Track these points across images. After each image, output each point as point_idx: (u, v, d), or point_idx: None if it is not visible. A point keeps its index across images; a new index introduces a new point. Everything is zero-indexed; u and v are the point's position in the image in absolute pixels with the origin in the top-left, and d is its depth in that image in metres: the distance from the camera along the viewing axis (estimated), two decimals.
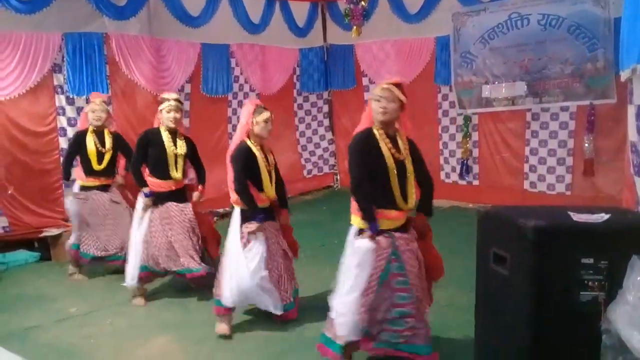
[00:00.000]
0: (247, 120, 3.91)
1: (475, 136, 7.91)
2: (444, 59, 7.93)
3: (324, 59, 9.39)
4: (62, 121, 6.41)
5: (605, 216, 2.34)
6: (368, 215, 3.09)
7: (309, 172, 9.32)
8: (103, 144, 5.30)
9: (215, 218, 6.73)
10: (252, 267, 3.81)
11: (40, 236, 6.08)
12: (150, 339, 4.03)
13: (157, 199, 4.62)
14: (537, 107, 7.21)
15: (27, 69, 5.99)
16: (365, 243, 3.06)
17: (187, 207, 4.72)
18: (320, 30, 9.24)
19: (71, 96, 6.40)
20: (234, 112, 8.12)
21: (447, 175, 8.29)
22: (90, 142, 5.26)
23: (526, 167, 7.42)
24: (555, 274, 2.26)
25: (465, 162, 7.99)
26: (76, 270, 5.41)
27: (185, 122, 7.63)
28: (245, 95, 8.22)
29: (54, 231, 6.06)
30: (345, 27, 8.71)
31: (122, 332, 4.18)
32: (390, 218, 3.12)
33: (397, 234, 3.10)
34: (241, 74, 8.22)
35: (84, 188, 5.33)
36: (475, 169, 7.96)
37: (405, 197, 3.13)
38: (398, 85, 3.22)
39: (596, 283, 2.22)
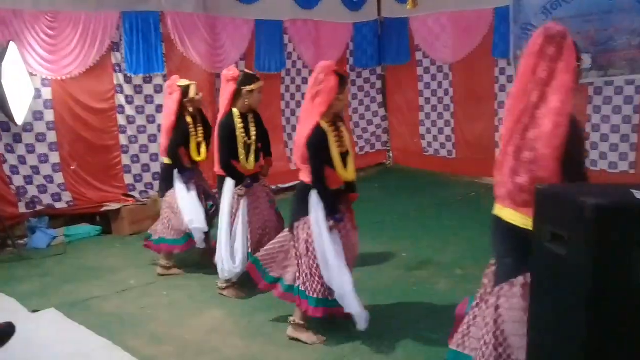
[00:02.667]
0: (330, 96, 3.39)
1: None
2: (502, 31, 7.61)
3: (378, 33, 9.21)
4: (121, 99, 6.61)
5: None
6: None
7: (362, 149, 9.26)
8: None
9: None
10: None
11: (101, 210, 6.33)
12: (204, 311, 4.15)
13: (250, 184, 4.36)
14: (600, 80, 6.85)
15: (86, 48, 6.19)
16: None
17: (265, 183, 4.59)
18: (374, 4, 9.05)
19: (129, 74, 6.57)
20: (287, 89, 8.14)
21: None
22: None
23: (587, 145, 7.10)
24: (616, 255, 2.16)
25: None
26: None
27: None
28: (299, 72, 8.20)
29: (114, 205, 6.30)
30: (400, 0, 8.52)
31: (178, 304, 4.32)
32: None
33: None
34: (294, 50, 8.20)
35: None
36: None
37: None
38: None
39: None
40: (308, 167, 3.45)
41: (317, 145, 3.38)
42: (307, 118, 3.45)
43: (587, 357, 2.23)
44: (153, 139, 6.88)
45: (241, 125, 4.27)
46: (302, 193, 3.52)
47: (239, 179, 4.29)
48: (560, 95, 2.44)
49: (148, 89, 6.79)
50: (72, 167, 6.28)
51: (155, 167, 6.91)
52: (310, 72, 8.20)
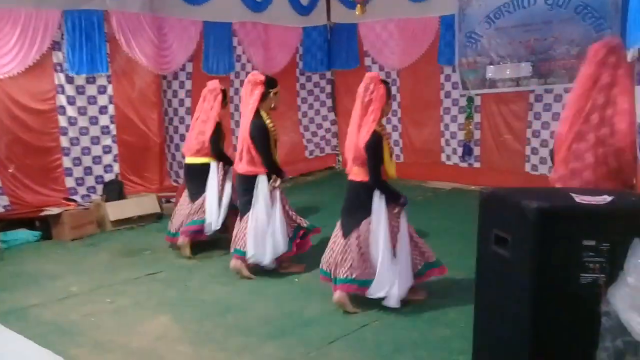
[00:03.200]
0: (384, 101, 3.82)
1: (477, 118, 7.86)
2: (448, 38, 7.83)
3: (327, 38, 9.29)
4: (62, 99, 6.40)
5: (607, 198, 2.32)
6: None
7: (311, 152, 9.29)
8: None
9: None
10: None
11: (40, 215, 6.09)
12: (150, 318, 4.05)
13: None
14: (540, 88, 7.14)
15: (26, 46, 5.96)
16: None
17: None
18: (323, 9, 9.12)
19: (70, 74, 6.37)
20: (236, 91, 8.06)
21: (448, 158, 8.25)
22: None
23: (528, 150, 7.36)
24: (557, 256, 2.24)
25: (467, 144, 7.95)
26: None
27: (187, 101, 7.63)
28: (247, 75, 8.15)
29: (54, 210, 6.06)
30: (349, 6, 8.61)
31: (123, 311, 4.20)
32: None
33: None
34: (243, 53, 8.16)
35: None
36: (477, 151, 7.92)
37: None
38: None
39: (597, 265, 2.21)
40: (365, 168, 3.83)
41: (377, 148, 3.79)
42: (363, 125, 3.81)
43: (531, 354, 2.31)
44: (96, 140, 6.69)
45: (272, 124, 4.65)
46: (365, 194, 3.86)
47: (282, 173, 4.72)
48: (627, 97, 2.90)
49: (91, 90, 6.60)
50: (10, 170, 6.01)
51: (98, 170, 6.72)
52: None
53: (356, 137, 3.84)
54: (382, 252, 3.80)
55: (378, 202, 3.83)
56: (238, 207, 4.90)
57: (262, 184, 4.59)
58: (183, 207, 5.43)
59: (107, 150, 6.82)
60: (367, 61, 8.88)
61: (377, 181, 3.83)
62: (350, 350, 3.47)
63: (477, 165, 7.94)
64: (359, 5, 8.07)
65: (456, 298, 4.09)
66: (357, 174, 3.93)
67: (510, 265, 2.42)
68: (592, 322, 2.08)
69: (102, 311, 4.19)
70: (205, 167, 5.29)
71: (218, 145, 5.31)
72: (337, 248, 3.99)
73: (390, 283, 3.82)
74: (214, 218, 5.21)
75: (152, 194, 6.83)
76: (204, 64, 7.63)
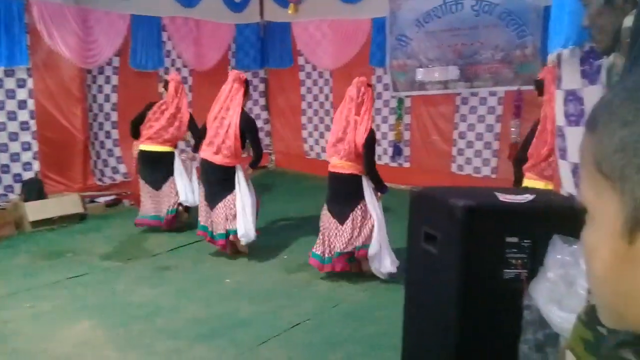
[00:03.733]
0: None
1: (407, 119, 8.04)
2: (379, 41, 7.96)
3: (261, 36, 9.22)
4: None
5: (530, 197, 2.42)
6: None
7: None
8: None
9: None
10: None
11: None
12: (74, 323, 3.86)
13: None
14: (467, 91, 7.39)
15: None
16: None
17: None
18: (257, 6, 9.04)
19: None
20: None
21: (379, 157, 8.36)
22: None
23: (454, 150, 7.61)
24: (482, 253, 2.32)
25: (397, 144, 8.11)
26: None
27: (114, 97, 7.36)
28: (178, 71, 7.97)
29: None
30: (282, 4, 8.58)
31: (44, 316, 3.98)
32: None
33: None
34: (173, 48, 7.97)
35: None
36: (407, 151, 8.10)
37: None
38: None
39: (519, 261, 2.30)
40: (357, 162, 4.33)
41: (373, 143, 4.41)
42: (360, 124, 4.32)
43: (457, 348, 2.37)
44: (14, 137, 6.35)
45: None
46: (356, 184, 4.39)
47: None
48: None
49: (9, 83, 6.25)
50: None
51: (16, 168, 6.37)
52: (190, 71, 8.05)
53: (353, 135, 4.29)
54: (378, 221, 4.37)
55: (369, 189, 4.40)
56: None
57: (241, 172, 4.96)
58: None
59: (26, 147, 6.47)
60: (301, 60, 8.89)
61: (375, 171, 4.38)
62: (282, 349, 3.46)
63: (406, 165, 8.12)
64: (291, 4, 8.06)
65: (387, 295, 4.17)
66: (345, 167, 4.38)
67: (438, 261, 2.48)
68: (514, 315, 2.16)
69: (20, 317, 3.96)
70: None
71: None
72: (332, 233, 4.42)
73: (385, 246, 4.40)
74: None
75: (75, 193, 6.53)
76: (131, 59, 7.39)
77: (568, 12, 2.38)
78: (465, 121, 7.45)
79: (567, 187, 2.64)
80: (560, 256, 2.00)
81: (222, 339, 3.59)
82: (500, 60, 7.00)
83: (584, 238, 0.59)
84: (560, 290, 1.97)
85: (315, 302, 4.18)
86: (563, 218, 1.67)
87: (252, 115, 9.23)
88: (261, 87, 9.43)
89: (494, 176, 7.27)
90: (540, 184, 3.52)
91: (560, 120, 2.66)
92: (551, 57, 2.68)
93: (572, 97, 2.52)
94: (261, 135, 9.34)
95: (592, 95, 2.35)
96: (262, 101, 9.46)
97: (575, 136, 2.52)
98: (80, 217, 6.35)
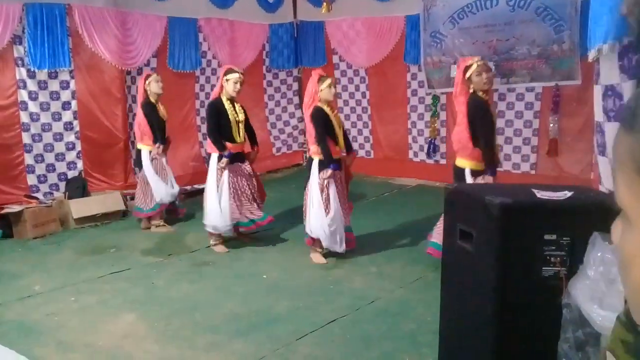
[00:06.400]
0: (314, 89, 4.78)
1: (443, 115, 7.98)
2: (413, 38, 7.92)
3: (294, 35, 9.28)
4: (23, 95, 6.24)
5: (568, 194, 2.39)
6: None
7: (278, 150, 9.28)
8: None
9: (182, 195, 6.66)
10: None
11: (1, 213, 5.92)
12: (116, 316, 4.00)
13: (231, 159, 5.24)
14: (503, 87, 7.30)
15: None
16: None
17: (248, 165, 5.42)
18: (290, 6, 9.11)
19: (32, 69, 6.22)
20: (202, 88, 8.00)
21: (415, 154, 8.36)
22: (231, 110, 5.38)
23: None
24: (519, 250, 2.31)
25: (432, 141, 8.07)
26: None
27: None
28: (213, 72, 8.09)
29: (15, 207, 5.91)
30: (315, 3, 8.61)
31: (88, 309, 4.13)
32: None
33: None
34: (209, 49, 8.08)
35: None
36: (443, 148, 8.05)
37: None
38: None
39: (558, 259, 2.28)
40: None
41: (318, 116, 4.83)
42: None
43: (495, 346, 2.37)
44: (59, 137, 6.55)
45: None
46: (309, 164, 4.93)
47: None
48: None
49: (53, 85, 6.46)
50: None
51: (61, 167, 6.59)
52: None
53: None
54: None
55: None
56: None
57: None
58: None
59: (70, 146, 6.69)
60: (335, 59, 8.91)
61: (321, 141, 4.78)
62: (319, 345, 3.50)
63: (442, 162, 8.06)
64: (324, 3, 8.08)
65: (423, 292, 4.17)
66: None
67: (474, 259, 2.47)
68: (554, 314, 2.15)
69: (66, 310, 4.11)
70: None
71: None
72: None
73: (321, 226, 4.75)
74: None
75: (117, 191, 6.72)
76: (169, 60, 7.53)
77: (609, 7, 2.35)
78: (503, 117, 7.35)
79: (607, 183, 2.60)
80: (600, 254, 1.98)
81: (259, 334, 3.65)
82: (536, 56, 6.88)
83: (621, 244, 0.54)
84: (601, 289, 1.95)
85: (351, 298, 4.21)
86: (602, 215, 1.66)
87: (286, 114, 9.42)
88: (295, 86, 9.50)
89: (532, 172, 7.17)
90: None
91: (599, 115, 2.62)
92: (592, 53, 2.64)
93: (611, 92, 2.49)
94: (295, 133, 9.51)
95: (631, 90, 2.32)
96: (296, 100, 9.51)
97: (615, 132, 2.49)
98: (122, 214, 6.53)
